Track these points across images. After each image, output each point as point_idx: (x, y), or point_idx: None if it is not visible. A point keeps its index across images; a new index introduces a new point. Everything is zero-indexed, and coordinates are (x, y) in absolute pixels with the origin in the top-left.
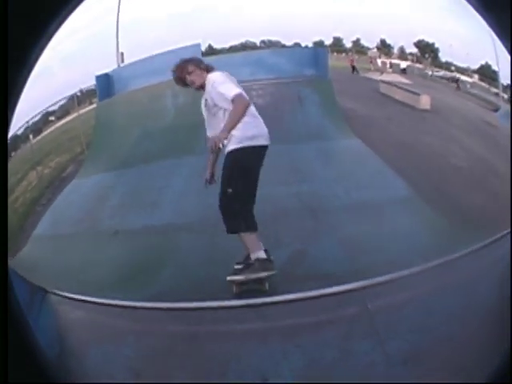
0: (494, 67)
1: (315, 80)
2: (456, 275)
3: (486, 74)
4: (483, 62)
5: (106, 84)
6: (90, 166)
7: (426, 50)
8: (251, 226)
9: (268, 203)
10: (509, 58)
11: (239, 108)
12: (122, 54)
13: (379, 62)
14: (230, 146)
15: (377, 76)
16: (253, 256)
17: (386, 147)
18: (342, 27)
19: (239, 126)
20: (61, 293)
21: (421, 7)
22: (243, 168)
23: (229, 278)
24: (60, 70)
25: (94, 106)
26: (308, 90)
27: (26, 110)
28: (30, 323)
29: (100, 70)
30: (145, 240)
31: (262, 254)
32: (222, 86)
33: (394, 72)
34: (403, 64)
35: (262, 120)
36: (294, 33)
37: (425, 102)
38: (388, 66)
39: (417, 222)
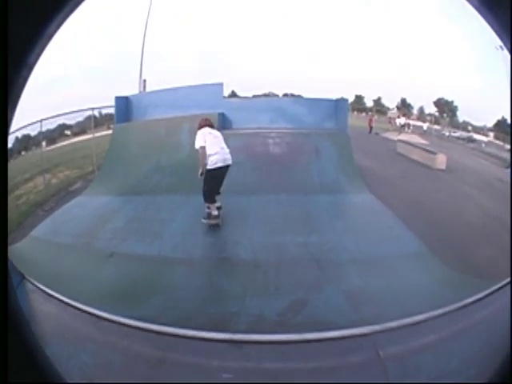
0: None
1: (334, 133)
2: (470, 320)
3: (501, 128)
4: (500, 117)
5: (124, 107)
6: (97, 187)
7: (445, 109)
8: (213, 201)
9: (274, 251)
10: (509, 57)
11: (199, 155)
12: (145, 81)
13: (398, 121)
14: (207, 167)
15: (394, 136)
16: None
17: (399, 204)
18: (363, 86)
19: (210, 158)
20: (36, 283)
21: (439, 66)
22: (211, 177)
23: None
24: (81, 82)
25: (110, 131)
26: (326, 143)
27: (39, 109)
28: (29, 323)
29: (120, 92)
30: (139, 267)
31: (215, 212)
32: (196, 139)
33: (412, 132)
34: (425, 126)
35: (225, 151)
36: (316, 90)
37: (440, 161)
38: (406, 126)
39: (425, 276)
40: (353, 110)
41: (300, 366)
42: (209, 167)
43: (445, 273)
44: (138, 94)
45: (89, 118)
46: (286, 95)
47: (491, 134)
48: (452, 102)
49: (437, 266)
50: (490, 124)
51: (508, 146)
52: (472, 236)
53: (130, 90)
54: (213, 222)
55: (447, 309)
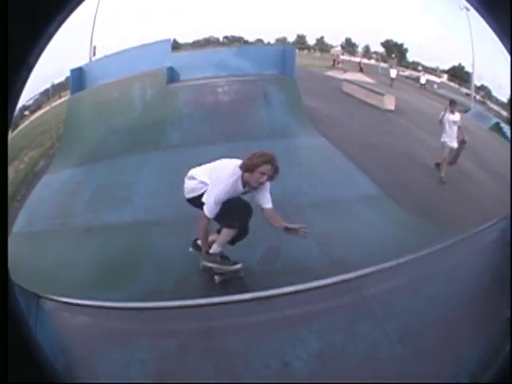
0: (468, 69)
1: (281, 78)
2: (433, 268)
3: (458, 75)
4: (456, 63)
5: (78, 78)
6: (60, 161)
7: (393, 50)
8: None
9: None
10: (509, 58)
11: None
12: (95, 47)
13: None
14: None
15: (339, 74)
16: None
17: (350, 146)
18: (306, 24)
19: None
20: (56, 298)
21: (392, 6)
22: None
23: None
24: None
25: (65, 99)
26: (274, 89)
27: None
28: (29, 323)
29: (75, 63)
30: (119, 237)
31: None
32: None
33: (358, 71)
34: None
35: None
36: (256, 30)
37: (389, 101)
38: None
39: (385, 219)
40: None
41: (310, 309)
42: None
43: (401, 216)
44: (90, 63)
45: (44, 92)
46: (226, 38)
47: (445, 76)
48: (402, 44)
49: (393, 209)
50: (445, 67)
51: (465, 90)
52: (425, 179)
53: (84, 59)
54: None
55: (417, 254)
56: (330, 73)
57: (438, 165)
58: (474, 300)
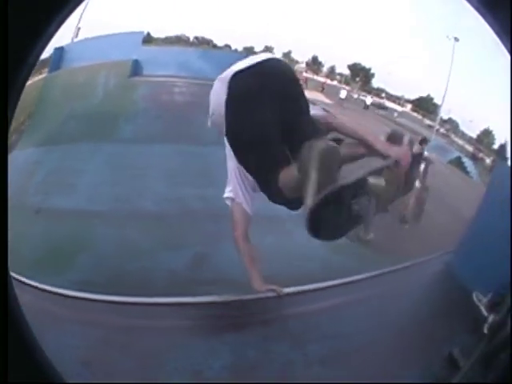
0: (437, 101)
1: None
2: (365, 293)
3: (423, 106)
4: (424, 94)
5: (58, 57)
6: (27, 138)
7: (359, 74)
8: None
9: (175, 204)
10: (509, 57)
11: None
12: (79, 29)
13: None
14: None
15: None
16: None
17: None
18: (276, 36)
19: None
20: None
21: (373, 31)
22: None
23: None
24: None
25: (42, 76)
26: None
27: None
28: (29, 323)
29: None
30: (63, 223)
31: None
32: None
33: (317, 90)
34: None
35: None
36: (227, 35)
37: None
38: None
39: (319, 241)
40: None
41: (215, 322)
42: None
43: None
44: (71, 43)
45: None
46: (196, 38)
47: (408, 106)
48: (370, 68)
49: None
50: (411, 97)
51: (428, 122)
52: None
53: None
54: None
55: (340, 280)
56: None
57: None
58: (407, 331)
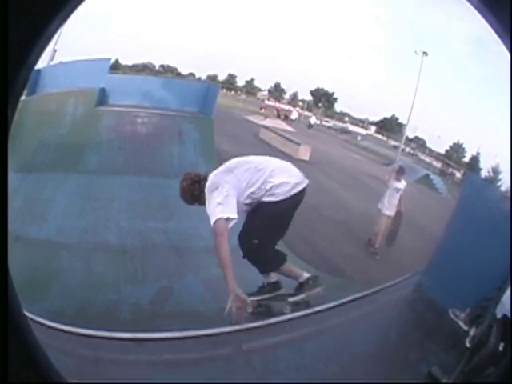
0: (402, 120)
1: (199, 117)
2: (330, 323)
3: (387, 127)
4: (388, 115)
5: (35, 80)
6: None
7: (322, 99)
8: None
9: (137, 237)
10: (509, 56)
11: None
12: (56, 51)
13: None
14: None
15: (260, 120)
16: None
17: None
18: (238, 65)
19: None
20: None
21: (330, 52)
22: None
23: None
24: None
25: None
26: (190, 127)
27: None
28: (29, 323)
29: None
30: (36, 252)
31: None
32: None
33: (278, 118)
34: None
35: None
36: (191, 64)
37: (304, 151)
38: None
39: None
40: (222, 88)
41: (185, 356)
42: (274, 199)
43: (299, 267)
44: (47, 66)
45: None
46: (162, 66)
47: (373, 128)
48: (332, 93)
49: (291, 260)
50: (375, 118)
51: (393, 143)
52: (330, 232)
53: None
54: (303, 294)
55: (302, 312)
56: (251, 117)
57: (370, 240)
58: (379, 356)
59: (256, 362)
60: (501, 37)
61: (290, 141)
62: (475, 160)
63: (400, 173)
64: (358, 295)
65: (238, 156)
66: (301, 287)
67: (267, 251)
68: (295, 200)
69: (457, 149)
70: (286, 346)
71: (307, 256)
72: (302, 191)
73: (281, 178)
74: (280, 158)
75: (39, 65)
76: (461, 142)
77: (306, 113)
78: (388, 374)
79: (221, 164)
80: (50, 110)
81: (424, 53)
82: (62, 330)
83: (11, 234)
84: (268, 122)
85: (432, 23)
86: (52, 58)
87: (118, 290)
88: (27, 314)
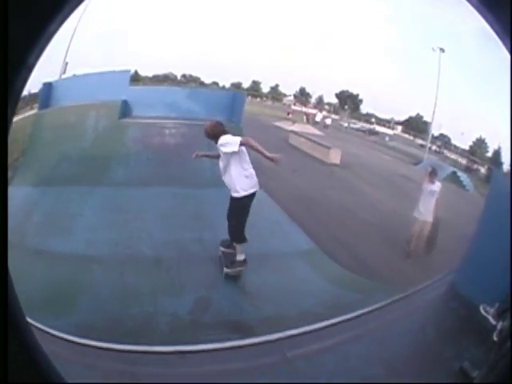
0: (427, 118)
1: (228, 126)
2: (371, 325)
3: (413, 126)
4: (413, 114)
5: (47, 93)
6: (21, 176)
7: (347, 101)
8: (245, 240)
9: (172, 248)
10: (509, 56)
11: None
12: (67, 63)
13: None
14: (233, 195)
15: (288, 125)
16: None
17: (289, 200)
18: (262, 71)
19: (239, 184)
20: None
21: (352, 55)
22: (241, 207)
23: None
24: None
25: (34, 111)
26: None
27: None
28: (29, 323)
29: (53, 75)
30: (62, 266)
31: (241, 256)
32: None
33: (308, 123)
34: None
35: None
36: (214, 72)
37: (334, 155)
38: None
39: (320, 275)
40: (247, 95)
41: (230, 367)
42: (236, 195)
43: (337, 271)
44: (59, 80)
45: (23, 98)
46: (184, 76)
47: (399, 128)
48: (357, 95)
49: (329, 265)
50: (400, 118)
51: (420, 141)
52: (365, 234)
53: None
54: (238, 269)
55: (345, 317)
56: (279, 123)
57: (408, 245)
58: (417, 355)
59: (301, 368)
60: (501, 37)
61: (320, 145)
62: (497, 154)
63: (433, 174)
64: (396, 297)
65: (268, 164)
66: (234, 261)
67: (238, 229)
68: (249, 198)
69: (480, 144)
70: (331, 351)
71: (343, 260)
72: (254, 193)
73: (247, 177)
74: (311, 164)
75: (50, 78)
76: (483, 136)
77: (333, 116)
78: (426, 372)
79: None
80: (69, 123)
81: (441, 49)
82: (93, 346)
83: (31, 247)
84: (296, 127)
85: (442, 18)
86: (64, 71)
87: (155, 301)
88: (51, 330)
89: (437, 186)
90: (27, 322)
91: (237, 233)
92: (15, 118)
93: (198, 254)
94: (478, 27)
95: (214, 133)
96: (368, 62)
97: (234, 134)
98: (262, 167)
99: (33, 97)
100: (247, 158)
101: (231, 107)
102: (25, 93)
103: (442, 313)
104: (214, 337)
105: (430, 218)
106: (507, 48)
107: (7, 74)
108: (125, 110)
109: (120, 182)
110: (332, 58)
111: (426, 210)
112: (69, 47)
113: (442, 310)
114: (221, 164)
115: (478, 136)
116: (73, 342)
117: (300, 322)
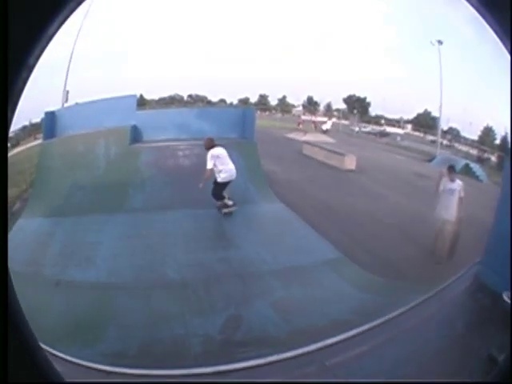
0: (435, 113)
1: (241, 142)
2: (403, 326)
3: (422, 123)
4: (421, 110)
5: (51, 122)
6: (32, 207)
7: (355, 106)
8: (224, 198)
9: (198, 269)
10: (508, 57)
11: (206, 174)
12: (68, 92)
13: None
14: (218, 181)
15: (300, 136)
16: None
17: (309, 210)
18: (268, 85)
19: (220, 174)
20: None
21: (353, 57)
22: (221, 187)
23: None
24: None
25: (39, 141)
26: (234, 153)
27: None
28: (29, 323)
29: (52, 104)
30: (85, 295)
31: (230, 202)
32: (207, 161)
33: (318, 131)
34: (327, 125)
35: (232, 168)
36: (220, 89)
37: (349, 162)
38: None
39: (348, 282)
40: (256, 110)
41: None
42: (220, 180)
43: (364, 277)
44: (61, 109)
45: (23, 129)
46: (190, 96)
47: (409, 127)
48: (365, 98)
49: (355, 271)
50: (409, 116)
51: (430, 137)
52: (388, 237)
53: (57, 102)
54: (232, 208)
55: (378, 321)
56: (291, 135)
57: (435, 248)
58: (447, 349)
59: (341, 376)
60: (500, 38)
61: (334, 152)
62: (505, 141)
63: (452, 171)
64: (425, 296)
65: (286, 177)
66: (227, 205)
67: (219, 195)
68: (225, 183)
69: (488, 133)
70: (367, 356)
71: (369, 265)
72: (231, 180)
73: (226, 172)
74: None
75: (52, 107)
76: (490, 125)
77: (343, 121)
78: (457, 365)
79: (272, 188)
80: (78, 151)
81: (439, 41)
82: (125, 374)
83: (48, 279)
84: (309, 137)
85: (437, 12)
86: (66, 100)
87: (184, 323)
88: (79, 361)
89: (457, 184)
90: (27, 322)
91: (219, 197)
92: (18, 149)
93: (224, 273)
94: (474, 16)
95: (207, 146)
96: (371, 64)
97: (248, 150)
98: (279, 179)
99: (34, 126)
100: (225, 160)
101: (242, 124)
102: (25, 122)
103: (469, 305)
104: (248, 354)
105: (451, 218)
106: (507, 49)
107: (7, 73)
108: (135, 135)
109: (138, 208)
110: (336, 64)
111: (446, 210)
112: (67, 75)
113: (469, 302)
114: None
115: (485, 125)
116: (103, 370)
117: (332, 331)
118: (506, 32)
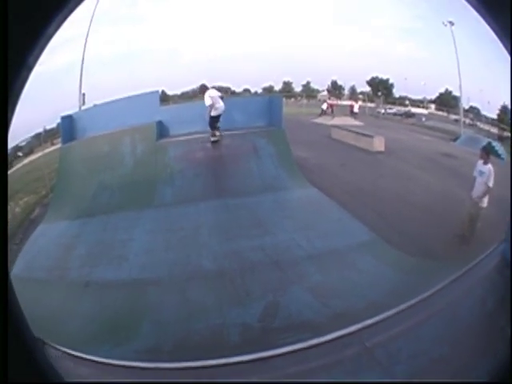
0: (456, 92)
1: (270, 130)
2: (438, 305)
3: (445, 102)
4: (442, 90)
5: (69, 126)
6: (54, 212)
7: (379, 88)
8: (217, 129)
9: (234, 258)
10: (508, 58)
11: (208, 109)
12: (84, 94)
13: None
14: (211, 115)
15: (328, 121)
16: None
17: (342, 194)
18: (292, 71)
19: (213, 110)
20: (60, 347)
21: (371, 40)
22: (214, 120)
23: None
24: (23, 103)
25: (57, 146)
26: (263, 141)
27: None
28: (29, 323)
29: (66, 109)
30: (117, 294)
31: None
32: (205, 99)
33: (345, 115)
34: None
35: (222, 105)
36: (243, 79)
37: (378, 143)
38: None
39: (383, 264)
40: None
41: (312, 366)
42: (213, 114)
43: (398, 257)
44: (80, 111)
45: (36, 136)
46: (213, 88)
47: (432, 107)
48: (387, 79)
49: (389, 252)
50: (432, 96)
51: (454, 117)
52: (420, 217)
53: (73, 106)
54: (217, 138)
55: (413, 301)
56: (318, 120)
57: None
58: (477, 326)
59: (380, 357)
60: (500, 38)
61: (363, 135)
62: None
63: (483, 153)
64: (458, 274)
65: (317, 162)
66: (215, 135)
67: (213, 126)
68: (219, 116)
69: (505, 111)
70: (404, 336)
71: (403, 245)
72: (221, 114)
73: (218, 108)
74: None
75: (69, 111)
76: (506, 102)
77: (369, 104)
78: (485, 344)
79: (304, 173)
80: (102, 152)
81: (450, 22)
82: (163, 369)
83: (76, 282)
84: (336, 121)
85: None
86: (83, 102)
87: (222, 313)
88: (111, 360)
89: (487, 168)
90: (27, 322)
91: (213, 127)
92: (34, 156)
93: (260, 261)
94: None
95: (202, 91)
96: (391, 45)
97: (277, 138)
98: (310, 165)
99: (50, 132)
100: (217, 99)
101: (269, 112)
102: (39, 129)
103: (498, 282)
104: (288, 340)
105: (477, 199)
106: (507, 49)
107: (7, 74)
108: (161, 130)
109: (169, 203)
110: (356, 48)
111: (475, 191)
112: (81, 78)
113: (498, 279)
114: None
115: (502, 103)
116: (137, 367)
117: (370, 312)
118: (506, 32)
